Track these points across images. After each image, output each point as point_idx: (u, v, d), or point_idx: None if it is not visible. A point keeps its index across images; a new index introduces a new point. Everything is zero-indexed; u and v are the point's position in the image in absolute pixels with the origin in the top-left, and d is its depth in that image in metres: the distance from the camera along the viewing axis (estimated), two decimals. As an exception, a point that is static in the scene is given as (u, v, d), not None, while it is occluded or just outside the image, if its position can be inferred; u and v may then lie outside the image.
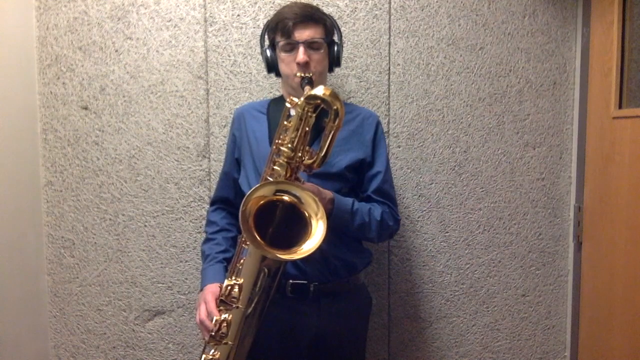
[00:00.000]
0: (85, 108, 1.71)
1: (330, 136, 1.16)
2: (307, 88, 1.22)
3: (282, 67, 1.35)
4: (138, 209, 1.73)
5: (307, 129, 1.19)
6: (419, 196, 1.75)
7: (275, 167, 1.20)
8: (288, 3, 1.39)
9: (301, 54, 1.29)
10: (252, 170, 1.38)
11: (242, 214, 1.09)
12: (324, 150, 1.17)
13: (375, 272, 1.76)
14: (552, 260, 1.79)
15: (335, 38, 1.39)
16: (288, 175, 1.19)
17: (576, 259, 1.75)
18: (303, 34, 1.30)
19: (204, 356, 1.21)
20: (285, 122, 1.22)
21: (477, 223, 1.76)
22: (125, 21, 1.68)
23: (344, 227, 1.31)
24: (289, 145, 1.18)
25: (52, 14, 1.68)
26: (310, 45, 1.30)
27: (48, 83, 1.71)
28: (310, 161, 1.19)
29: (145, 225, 1.74)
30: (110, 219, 1.74)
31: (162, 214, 1.73)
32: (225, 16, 1.68)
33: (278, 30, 1.32)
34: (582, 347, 1.74)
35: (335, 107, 1.14)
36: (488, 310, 1.79)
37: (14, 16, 1.61)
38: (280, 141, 1.21)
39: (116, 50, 1.69)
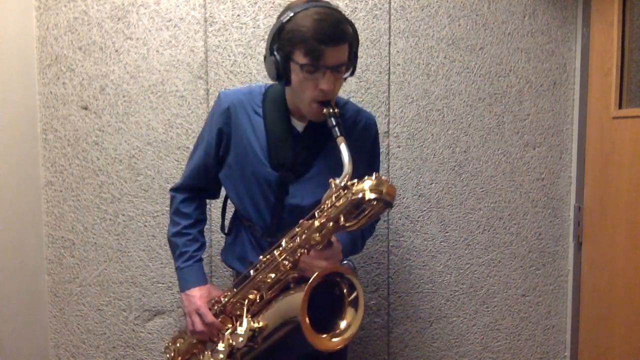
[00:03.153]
0: (85, 108, 1.71)
1: (373, 216, 1.12)
2: (342, 143, 1.13)
3: (300, 87, 1.19)
4: (138, 209, 1.73)
5: (353, 213, 1.13)
6: (419, 196, 1.75)
7: (310, 239, 1.16)
8: (312, 10, 1.12)
9: (329, 83, 1.15)
10: (242, 184, 1.30)
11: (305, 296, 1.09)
12: (363, 225, 1.13)
13: (375, 272, 1.76)
14: (552, 260, 1.79)
15: (354, 48, 1.22)
16: (320, 243, 1.17)
17: (576, 259, 1.75)
18: (332, 58, 1.13)
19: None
20: (333, 201, 1.14)
21: (477, 223, 1.76)
22: (125, 21, 1.68)
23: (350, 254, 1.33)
24: (332, 225, 1.14)
25: (52, 14, 1.68)
26: (336, 69, 1.16)
27: (48, 83, 1.71)
28: (349, 224, 1.14)
29: (145, 225, 1.74)
30: (110, 219, 1.74)
31: (162, 214, 1.73)
32: (225, 16, 1.68)
33: (301, 47, 1.12)
34: (582, 347, 1.74)
35: (392, 202, 1.11)
36: (488, 310, 1.79)
37: (14, 16, 1.61)
38: (326, 217, 1.14)
39: (116, 50, 1.69)
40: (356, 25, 1.67)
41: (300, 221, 1.18)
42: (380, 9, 1.69)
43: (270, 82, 1.30)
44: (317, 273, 1.11)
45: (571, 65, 1.73)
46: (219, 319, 1.26)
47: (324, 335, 1.13)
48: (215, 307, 1.27)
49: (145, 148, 1.72)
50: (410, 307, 1.78)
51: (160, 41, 1.69)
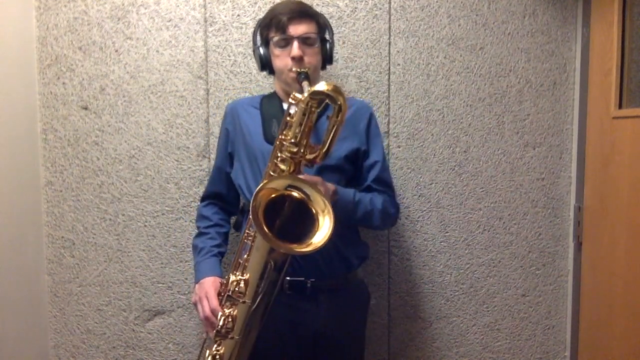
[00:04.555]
0: (85, 108, 1.71)
1: (333, 131, 1.17)
2: (305, 83, 1.24)
3: (276, 63, 1.36)
4: (138, 209, 1.73)
5: (310, 124, 1.19)
6: (419, 196, 1.75)
7: (279, 163, 1.21)
8: (280, 1, 1.41)
9: (296, 49, 1.30)
10: (247, 164, 1.39)
11: (253, 208, 1.10)
12: (327, 145, 1.18)
13: (375, 272, 1.76)
14: (552, 260, 1.79)
15: (327, 36, 1.41)
16: (292, 170, 1.20)
17: (576, 259, 1.75)
18: (297, 29, 1.31)
19: (208, 351, 1.21)
20: (287, 118, 1.22)
21: (477, 223, 1.76)
22: (125, 21, 1.68)
23: (348, 217, 1.32)
24: (292, 141, 1.19)
25: (52, 14, 1.68)
26: (304, 40, 1.32)
27: (48, 83, 1.71)
28: (312, 156, 1.20)
29: (145, 225, 1.74)
30: (110, 219, 1.74)
31: (162, 214, 1.73)
32: (225, 16, 1.68)
33: (272, 26, 1.33)
34: (582, 347, 1.74)
35: (339, 102, 1.15)
36: (488, 310, 1.79)
37: (14, 16, 1.61)
38: (283, 136, 1.21)
39: (116, 50, 1.69)
40: (356, 25, 1.69)
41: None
42: (380, 9, 1.69)
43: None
44: (262, 183, 1.14)
45: (571, 65, 1.73)
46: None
47: (289, 243, 1.12)
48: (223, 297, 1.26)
49: (145, 148, 1.72)
50: (410, 307, 1.78)
51: (160, 41, 1.69)
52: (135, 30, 1.69)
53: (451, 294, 1.78)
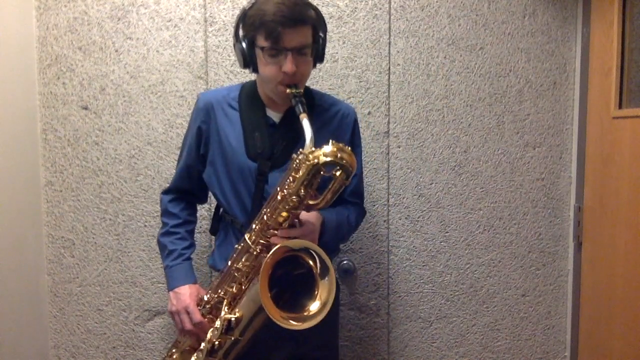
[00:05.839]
0: (85, 108, 1.71)
1: (338, 188, 1.14)
2: (303, 116, 1.15)
3: (265, 71, 1.21)
4: (138, 209, 1.73)
5: (316, 184, 1.15)
6: (419, 196, 1.75)
7: (278, 214, 1.17)
8: None
9: (290, 64, 1.16)
10: (225, 177, 1.31)
11: (261, 289, 1.08)
12: (330, 200, 1.16)
13: (375, 272, 1.76)
14: (552, 260, 1.79)
15: (320, 33, 1.25)
16: (290, 221, 1.18)
17: (576, 259, 1.75)
18: (292, 40, 1.16)
19: None
20: (293, 173, 1.16)
21: (477, 223, 1.76)
22: (125, 21, 1.68)
23: (329, 243, 1.29)
24: (294, 198, 1.15)
25: (52, 14, 1.68)
26: (298, 51, 1.18)
27: (48, 83, 1.71)
28: (314, 202, 1.17)
29: (145, 225, 1.74)
30: (110, 219, 1.74)
31: (162, 214, 1.73)
32: (225, 16, 1.68)
33: (261, 31, 1.16)
34: (582, 347, 1.75)
35: (350, 169, 1.12)
36: (488, 310, 1.79)
37: (14, 16, 1.61)
38: (287, 188, 1.16)
39: (116, 50, 1.69)
40: (356, 25, 1.69)
41: (267, 201, 1.20)
42: (380, 9, 1.69)
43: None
44: (278, 245, 1.10)
45: (571, 65, 1.73)
46: (206, 319, 1.25)
47: (288, 314, 1.10)
48: (203, 307, 1.27)
49: (145, 148, 1.72)
50: (410, 307, 1.78)
51: (160, 41, 1.69)
52: (135, 30, 1.69)
53: (451, 294, 1.78)
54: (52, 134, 1.72)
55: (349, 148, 1.15)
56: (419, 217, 1.76)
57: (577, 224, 1.73)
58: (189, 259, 1.36)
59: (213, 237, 1.50)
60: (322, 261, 1.14)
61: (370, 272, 1.75)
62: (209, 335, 1.20)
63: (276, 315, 1.08)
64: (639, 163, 1.44)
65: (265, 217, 1.18)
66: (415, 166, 1.74)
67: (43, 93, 1.71)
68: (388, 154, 1.72)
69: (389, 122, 1.72)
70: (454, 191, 1.75)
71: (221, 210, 1.38)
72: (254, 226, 1.20)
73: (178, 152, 1.70)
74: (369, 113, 1.71)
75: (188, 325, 1.25)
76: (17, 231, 1.62)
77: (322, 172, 1.13)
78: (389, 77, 1.71)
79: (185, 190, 1.42)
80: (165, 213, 1.41)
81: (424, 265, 1.77)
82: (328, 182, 1.15)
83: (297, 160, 1.15)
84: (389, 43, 1.70)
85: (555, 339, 1.81)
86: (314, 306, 1.13)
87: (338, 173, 1.12)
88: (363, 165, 1.60)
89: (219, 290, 1.24)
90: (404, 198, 1.74)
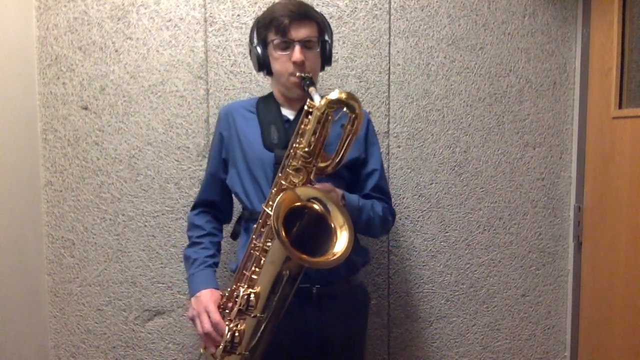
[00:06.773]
0: (85, 108, 1.71)
1: (348, 140, 1.15)
2: (312, 89, 1.21)
3: (276, 66, 1.31)
4: (138, 209, 1.73)
5: (325, 133, 1.16)
6: (419, 196, 1.75)
7: (291, 171, 1.18)
8: (279, 0, 1.34)
9: (298, 53, 1.26)
10: (245, 171, 1.35)
11: (274, 217, 1.07)
12: (340, 155, 1.16)
13: (375, 272, 1.76)
14: (552, 260, 1.79)
15: (327, 37, 1.36)
16: (304, 179, 1.18)
17: (576, 259, 1.75)
18: (299, 32, 1.27)
19: None
20: (302, 126, 1.19)
21: (477, 223, 1.76)
22: (125, 21, 1.68)
23: (352, 222, 1.30)
24: (306, 150, 1.16)
25: (52, 14, 1.68)
26: (305, 44, 1.28)
27: (48, 83, 1.71)
28: (324, 164, 1.18)
29: (145, 225, 1.74)
30: (110, 219, 1.74)
31: (162, 214, 1.73)
32: (225, 16, 1.68)
33: (272, 27, 1.28)
34: (582, 347, 1.75)
35: (356, 111, 1.13)
36: (488, 310, 1.79)
37: (14, 16, 1.61)
38: (297, 145, 1.18)
39: (116, 50, 1.69)
40: (356, 25, 1.69)
41: (280, 164, 1.22)
42: (380, 9, 1.69)
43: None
44: (289, 191, 1.12)
45: (571, 65, 1.73)
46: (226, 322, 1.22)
47: (310, 256, 1.10)
48: (223, 310, 1.24)
49: (145, 148, 1.72)
50: (410, 307, 1.78)
51: (160, 41, 1.69)
52: (135, 30, 1.69)
53: (451, 294, 1.78)
54: (52, 134, 1.72)
55: (354, 94, 1.16)
56: (419, 217, 1.76)
57: (577, 224, 1.73)
58: (211, 266, 1.35)
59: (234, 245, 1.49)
60: (332, 209, 1.14)
61: (370, 272, 1.75)
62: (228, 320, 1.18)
63: (299, 254, 1.07)
64: (639, 163, 1.44)
65: (281, 181, 1.19)
66: (415, 166, 1.74)
67: (43, 93, 1.71)
68: (388, 154, 1.73)
69: (389, 122, 1.72)
70: (454, 191, 1.75)
71: (241, 211, 1.41)
72: (272, 190, 1.21)
73: (178, 152, 1.71)
74: (369, 113, 1.71)
75: (207, 327, 1.21)
76: (17, 231, 1.62)
77: (329, 118, 1.15)
78: (389, 77, 1.71)
79: (210, 203, 1.44)
80: (190, 227, 1.44)
81: (424, 265, 1.77)
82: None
83: (308, 113, 1.19)
84: (389, 43, 1.70)
85: (555, 339, 1.82)
86: (337, 248, 1.12)
87: (347, 124, 1.15)
88: None
89: (238, 275, 1.23)
90: (404, 198, 1.74)
